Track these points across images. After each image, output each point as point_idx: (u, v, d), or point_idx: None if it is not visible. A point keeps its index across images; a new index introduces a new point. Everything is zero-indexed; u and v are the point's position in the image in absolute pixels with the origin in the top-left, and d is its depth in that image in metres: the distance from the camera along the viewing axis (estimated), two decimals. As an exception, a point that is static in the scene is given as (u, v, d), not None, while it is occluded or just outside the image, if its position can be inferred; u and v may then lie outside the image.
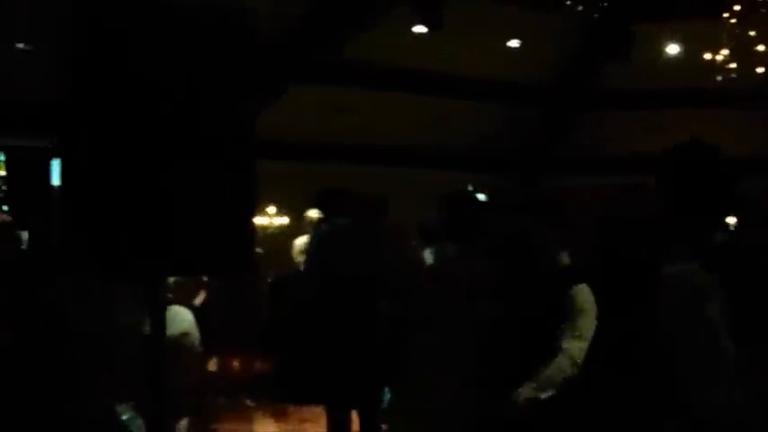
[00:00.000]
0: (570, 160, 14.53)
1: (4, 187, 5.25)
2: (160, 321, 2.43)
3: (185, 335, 5.51)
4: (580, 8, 9.40)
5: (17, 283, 5.90)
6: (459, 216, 4.86)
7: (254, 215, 2.43)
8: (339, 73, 11.43)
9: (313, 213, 7.82)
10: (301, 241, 8.02)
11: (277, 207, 13.36)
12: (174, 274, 2.79)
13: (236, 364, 8.66)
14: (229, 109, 2.29)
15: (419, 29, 10.05)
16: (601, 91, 13.15)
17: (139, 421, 5.30)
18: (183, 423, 5.45)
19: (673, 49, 11.88)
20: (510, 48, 11.76)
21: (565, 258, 4.13)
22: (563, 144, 14.55)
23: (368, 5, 10.00)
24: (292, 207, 12.67)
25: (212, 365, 8.42)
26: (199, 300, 6.81)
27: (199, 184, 2.23)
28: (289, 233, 11.89)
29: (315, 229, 7.40)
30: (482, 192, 14.70)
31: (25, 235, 6.61)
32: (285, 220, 13.42)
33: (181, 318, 5.44)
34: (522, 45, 11.68)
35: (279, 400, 8.60)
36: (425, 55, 11.36)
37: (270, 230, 13.10)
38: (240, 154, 2.30)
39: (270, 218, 13.38)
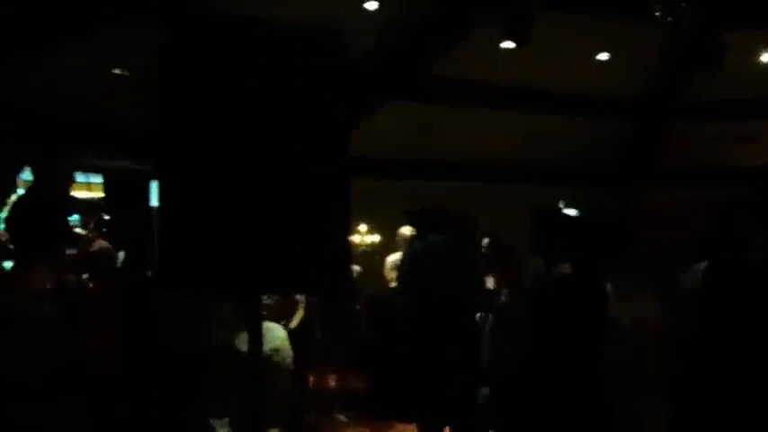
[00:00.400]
0: (662, 172, 14.25)
1: (102, 213, 5.40)
2: (257, 337, 2.46)
3: (277, 351, 5.59)
4: (669, 19, 9.21)
5: (120, 303, 6.07)
6: (548, 232, 4.84)
7: (349, 233, 2.45)
8: (428, 90, 11.45)
9: (406, 230, 7.85)
10: (394, 258, 8.05)
11: (368, 225, 13.42)
12: (271, 291, 2.82)
13: (330, 380, 8.69)
14: (323, 128, 2.31)
15: (507, 44, 10.00)
16: (692, 102, 12.84)
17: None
18: None
19: (766, 57, 11.55)
20: (599, 61, 11.60)
21: None
22: (655, 156, 14.28)
23: (458, 23, 9.99)
24: (383, 225, 12.73)
25: (308, 382, 8.51)
26: (296, 321, 6.92)
27: (295, 202, 2.25)
28: (380, 251, 11.94)
29: (408, 246, 7.44)
30: (574, 207, 14.59)
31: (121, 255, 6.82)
32: (376, 238, 13.47)
33: (272, 334, 5.52)
34: (611, 58, 11.50)
35: (374, 417, 8.63)
36: (514, 70, 11.29)
37: (362, 248, 13.17)
38: (335, 172, 2.32)
39: (361, 236, 13.45)
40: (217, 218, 2.20)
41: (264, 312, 5.02)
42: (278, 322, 5.86)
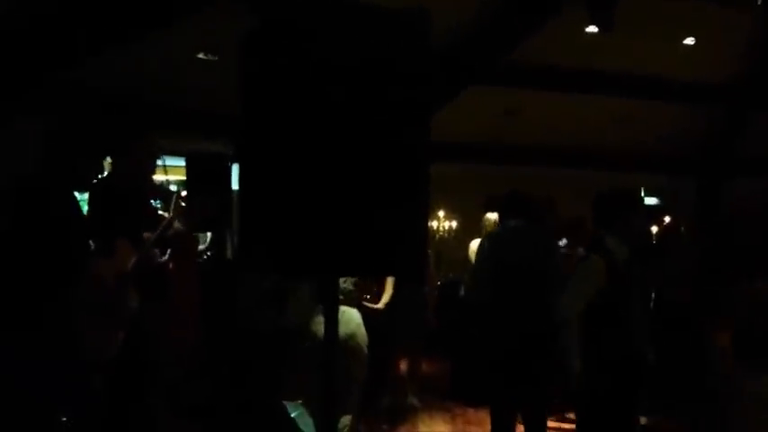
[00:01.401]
0: (750, 160, 13.89)
1: (184, 192, 5.46)
2: (333, 320, 2.45)
3: (353, 335, 5.61)
4: (759, 1, 8.93)
5: (204, 284, 6.17)
6: (607, 213, 4.85)
7: (428, 217, 2.42)
8: (511, 74, 11.34)
9: (492, 216, 7.83)
10: (477, 243, 8.01)
11: (446, 210, 13.40)
12: (348, 274, 2.82)
13: (402, 364, 8.71)
14: (406, 111, 2.28)
15: (592, 29, 9.83)
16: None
17: (308, 419, 5.43)
18: (345, 420, 5.54)
19: None
20: (686, 45, 11.32)
21: None
22: (742, 143, 13.91)
23: (542, 6, 9.86)
24: (462, 210, 12.69)
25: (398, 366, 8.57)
26: (383, 302, 6.97)
27: (374, 185, 2.23)
28: (459, 236, 11.91)
29: (488, 231, 7.42)
30: (654, 195, 14.35)
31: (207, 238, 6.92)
32: (454, 224, 13.44)
33: (347, 318, 5.53)
34: (697, 42, 11.21)
35: (453, 400, 8.64)
36: (599, 55, 11.11)
37: (440, 233, 13.16)
38: (416, 155, 2.29)
39: (440, 221, 13.43)
40: (296, 200, 2.20)
41: (341, 297, 5.05)
42: (358, 303, 5.88)
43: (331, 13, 2.27)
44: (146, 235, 4.89)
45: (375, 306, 6.87)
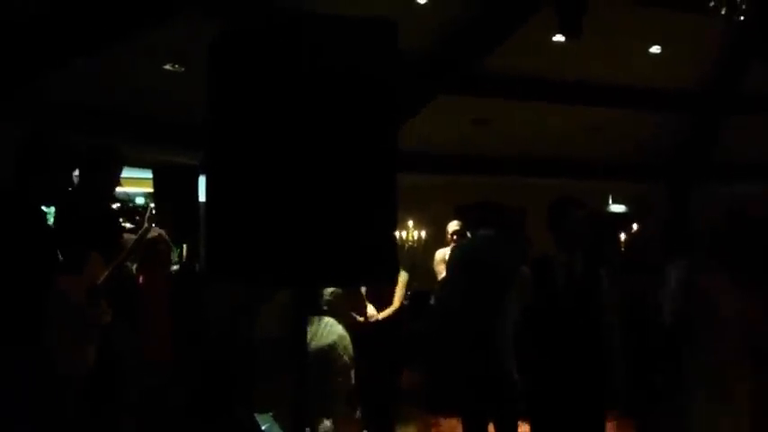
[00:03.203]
0: (719, 165, 14.00)
1: (152, 204, 5.44)
2: (302, 330, 2.45)
3: (333, 346, 5.59)
4: (723, 11, 9.03)
5: (177, 292, 6.15)
6: (563, 225, 4.86)
7: (396, 227, 2.42)
8: (479, 83, 11.38)
9: (454, 225, 7.84)
10: (442, 252, 8.03)
11: (414, 220, 13.38)
12: (317, 282, 2.82)
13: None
14: (373, 120, 2.28)
15: (559, 37, 9.89)
16: (749, 93, 12.58)
17: (278, 429, 5.40)
18: (326, 424, 5.51)
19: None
20: (653, 53, 11.42)
21: None
22: (711, 149, 14.03)
23: (509, 15, 9.92)
24: (431, 220, 12.68)
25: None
26: (386, 313, 6.98)
27: (342, 194, 2.23)
28: (428, 246, 11.91)
29: (457, 241, 7.43)
30: (622, 202, 14.43)
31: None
32: (423, 234, 13.41)
33: (329, 329, 5.52)
34: (665, 50, 11.31)
35: (425, 410, 8.62)
36: (567, 63, 11.18)
37: (409, 243, 13.12)
38: (383, 165, 2.29)
39: (409, 231, 13.40)
40: (263, 211, 2.21)
41: (325, 307, 5.05)
42: (343, 316, 5.88)
43: (297, 23, 2.27)
44: (126, 236, 4.87)
45: (360, 318, 6.90)
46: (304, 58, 2.24)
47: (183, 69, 8.92)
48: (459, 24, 10.12)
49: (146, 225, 5.13)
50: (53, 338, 4.09)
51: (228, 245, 2.33)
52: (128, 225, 5.35)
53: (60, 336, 4.22)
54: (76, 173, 4.94)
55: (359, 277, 2.74)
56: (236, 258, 2.31)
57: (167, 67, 8.91)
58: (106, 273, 4.72)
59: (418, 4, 9.16)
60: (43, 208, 4.31)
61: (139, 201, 6.83)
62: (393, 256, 2.36)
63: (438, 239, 9.54)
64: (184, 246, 6.98)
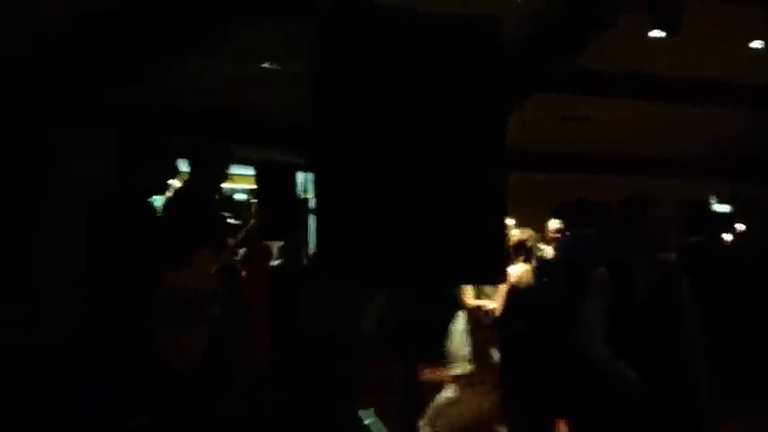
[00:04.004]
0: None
1: (253, 200, 5.56)
2: (413, 329, 2.47)
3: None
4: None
5: (276, 292, 6.24)
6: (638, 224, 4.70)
7: (505, 224, 2.43)
8: (573, 81, 11.23)
9: (556, 224, 7.75)
10: (517, 237, 7.92)
11: (514, 218, 13.29)
12: (427, 281, 2.82)
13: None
14: (481, 118, 2.30)
15: (656, 33, 9.68)
16: None
17: (381, 426, 5.44)
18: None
19: None
20: (752, 49, 11.09)
21: None
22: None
23: (606, 11, 9.75)
24: (528, 218, 12.57)
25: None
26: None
27: (452, 193, 2.25)
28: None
29: (558, 240, 7.36)
30: (725, 202, 14.06)
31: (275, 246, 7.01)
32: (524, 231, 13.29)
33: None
34: (766, 45, 10.97)
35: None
36: (661, 59, 10.94)
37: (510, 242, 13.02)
38: (493, 162, 2.30)
39: (509, 230, 13.32)
40: (372, 209, 2.22)
41: None
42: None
43: (404, 23, 2.29)
44: (230, 241, 4.99)
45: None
46: (411, 58, 2.26)
47: (280, 68, 9.03)
48: (552, 21, 10.00)
49: (251, 221, 5.23)
50: (162, 332, 4.21)
51: (337, 243, 2.35)
52: (232, 221, 5.47)
53: (169, 329, 4.33)
54: (185, 168, 5.09)
55: (465, 277, 2.75)
56: (344, 256, 2.33)
57: (265, 65, 9.03)
58: (215, 267, 4.83)
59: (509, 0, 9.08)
60: (154, 203, 4.47)
61: (239, 197, 6.95)
62: (500, 255, 2.37)
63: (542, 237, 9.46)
64: (283, 242, 7.07)
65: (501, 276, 2.48)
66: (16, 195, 7.69)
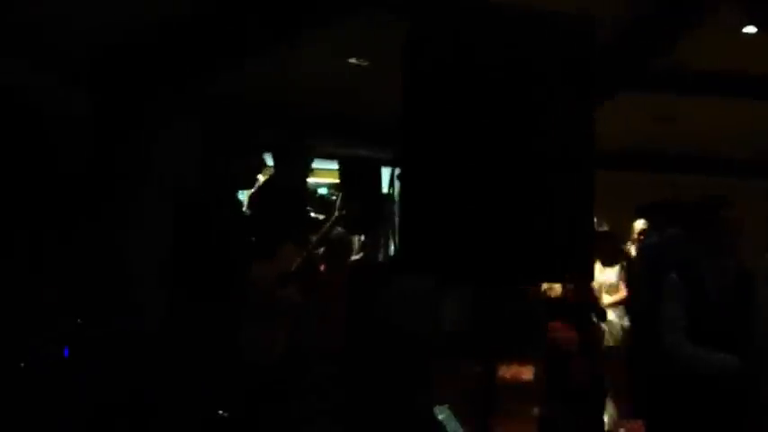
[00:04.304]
0: None
1: (335, 196, 5.62)
2: (492, 326, 2.45)
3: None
4: None
5: (355, 287, 6.28)
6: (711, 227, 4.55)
7: (592, 222, 2.39)
8: (662, 79, 11.00)
9: (641, 224, 7.65)
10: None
11: (598, 217, 13.13)
12: (510, 279, 2.80)
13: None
14: (571, 117, 2.27)
15: (750, 29, 9.42)
16: None
17: (455, 422, 5.42)
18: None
19: None
20: None
21: None
22: None
23: (697, 7, 9.53)
24: (608, 218, 12.40)
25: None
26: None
27: (540, 190, 2.22)
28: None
29: (643, 240, 7.26)
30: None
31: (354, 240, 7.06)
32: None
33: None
34: None
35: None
36: (755, 57, 10.64)
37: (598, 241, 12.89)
38: (581, 160, 2.27)
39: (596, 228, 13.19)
40: (457, 206, 2.22)
41: None
42: None
43: (494, 18, 2.27)
44: (312, 236, 5.04)
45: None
46: (500, 53, 2.24)
47: (366, 63, 9.07)
48: (643, 17, 9.81)
49: (335, 215, 5.27)
50: (247, 327, 4.28)
51: (422, 238, 2.35)
52: (315, 215, 5.53)
53: (253, 324, 4.39)
54: (270, 163, 5.16)
55: (551, 275, 2.72)
56: (428, 252, 2.33)
57: (352, 60, 9.08)
58: (299, 259, 4.88)
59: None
60: (239, 195, 4.53)
61: (322, 191, 7.03)
62: (588, 254, 2.34)
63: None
64: (362, 236, 7.11)
65: (588, 275, 2.44)
66: (117, 186, 7.86)
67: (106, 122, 7.70)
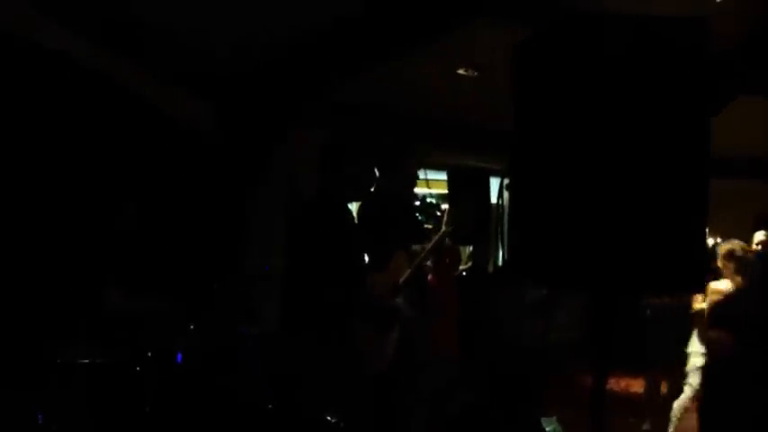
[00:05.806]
0: None
1: (444, 205, 5.61)
2: (606, 338, 2.42)
3: None
4: None
5: (465, 296, 6.28)
6: None
7: (704, 231, 2.34)
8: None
9: (761, 236, 7.42)
10: (726, 247, 7.58)
11: (710, 228, 12.75)
12: (622, 289, 2.75)
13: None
14: (685, 124, 2.22)
15: None
16: None
17: (561, 432, 5.37)
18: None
19: None
20: None
21: None
22: None
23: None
24: (722, 228, 12.02)
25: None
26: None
27: (653, 199, 2.18)
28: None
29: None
30: None
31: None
32: (711, 241, 12.76)
33: None
34: None
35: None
36: None
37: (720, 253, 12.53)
38: (695, 169, 2.22)
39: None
40: (568, 214, 2.20)
41: None
42: None
43: (604, 24, 2.25)
44: (415, 247, 5.05)
45: None
46: (612, 60, 2.21)
47: (475, 74, 9.06)
48: (758, 21, 9.49)
49: (443, 230, 5.27)
50: (360, 334, 4.32)
51: (531, 247, 2.35)
52: (425, 225, 5.54)
53: (365, 332, 4.43)
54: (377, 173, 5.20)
55: (664, 285, 2.65)
56: (539, 261, 2.32)
57: (461, 71, 9.08)
58: (409, 270, 4.90)
59: (714, 1, 8.68)
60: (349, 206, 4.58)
61: (431, 200, 7.05)
62: (701, 264, 2.28)
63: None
64: (470, 247, 7.10)
65: (701, 286, 2.38)
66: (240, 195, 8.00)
67: (234, 139, 7.89)
